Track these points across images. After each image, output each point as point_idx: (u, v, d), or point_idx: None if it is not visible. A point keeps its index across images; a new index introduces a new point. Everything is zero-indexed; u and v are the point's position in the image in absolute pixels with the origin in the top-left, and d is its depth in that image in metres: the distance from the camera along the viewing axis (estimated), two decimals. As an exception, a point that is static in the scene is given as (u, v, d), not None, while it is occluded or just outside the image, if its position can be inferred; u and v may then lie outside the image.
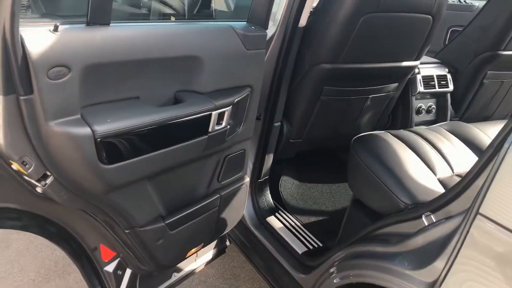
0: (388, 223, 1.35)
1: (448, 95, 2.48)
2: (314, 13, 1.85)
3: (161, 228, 1.44)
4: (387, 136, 1.75)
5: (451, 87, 2.46)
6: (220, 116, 1.39)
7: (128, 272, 1.61)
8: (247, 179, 1.79)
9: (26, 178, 1.09)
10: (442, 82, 2.42)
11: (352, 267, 1.36)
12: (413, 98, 2.35)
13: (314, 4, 1.86)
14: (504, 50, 2.30)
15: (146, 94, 1.21)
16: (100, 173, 1.09)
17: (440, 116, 2.50)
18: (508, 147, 0.93)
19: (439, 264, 1.07)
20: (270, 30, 1.80)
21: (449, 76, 2.45)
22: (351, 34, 1.74)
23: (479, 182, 1.00)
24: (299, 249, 1.88)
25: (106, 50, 1.04)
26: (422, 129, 1.89)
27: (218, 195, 1.65)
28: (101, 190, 1.15)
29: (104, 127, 1.04)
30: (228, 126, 1.45)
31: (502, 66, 2.38)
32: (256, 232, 2.00)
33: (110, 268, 1.55)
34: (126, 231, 1.36)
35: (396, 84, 2.14)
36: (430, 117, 2.48)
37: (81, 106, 1.03)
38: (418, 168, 1.59)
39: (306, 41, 1.84)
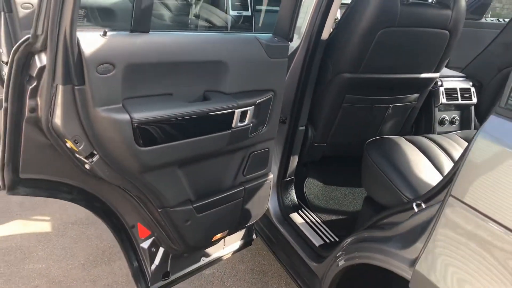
0: (388, 214, 1.49)
1: (472, 107, 2.58)
2: (336, 27, 2.04)
3: (189, 210, 1.65)
4: (400, 140, 1.90)
5: (474, 100, 2.55)
6: (243, 115, 1.59)
7: (161, 250, 1.82)
8: (271, 176, 1.96)
9: (77, 156, 1.34)
10: (465, 95, 2.52)
11: (354, 250, 1.51)
12: (436, 109, 2.47)
13: (336, 19, 2.06)
14: None
15: (179, 91, 1.43)
16: (136, 154, 1.32)
17: (464, 127, 2.59)
18: (476, 138, 1.08)
19: (420, 243, 1.21)
20: (296, 42, 2.01)
21: (473, 89, 2.54)
22: (370, 46, 1.91)
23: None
24: (317, 242, 2.04)
25: (145, 53, 1.28)
26: (436, 135, 2.01)
27: (243, 187, 1.84)
28: (137, 169, 1.38)
29: (140, 115, 1.27)
30: (251, 124, 1.65)
31: None
32: (280, 227, 2.18)
33: (145, 245, 1.77)
34: (159, 210, 1.58)
35: (417, 95, 2.27)
36: (453, 128, 2.58)
37: (122, 98, 1.27)
38: (425, 168, 1.73)
39: (329, 52, 2.03)
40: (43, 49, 1.14)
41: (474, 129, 2.60)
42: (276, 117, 1.79)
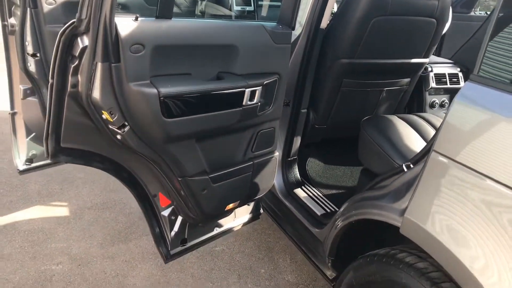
0: (382, 178, 1.69)
1: (460, 91, 2.78)
2: (333, 17, 2.25)
3: (206, 180, 1.85)
4: (393, 117, 2.10)
5: (462, 84, 2.76)
6: (252, 94, 1.79)
7: (180, 219, 2.02)
8: (277, 154, 2.16)
9: (111, 127, 1.53)
10: (453, 80, 2.73)
11: (351, 209, 1.71)
12: (427, 93, 2.68)
13: (334, 10, 2.26)
14: None
15: (196, 71, 1.63)
16: (162, 124, 1.52)
17: (453, 110, 2.79)
18: (453, 101, 1.28)
19: (409, 195, 1.41)
20: (297, 31, 2.21)
21: (460, 74, 2.76)
22: (364, 33, 2.11)
23: None
24: (318, 211, 2.24)
25: (168, 36, 1.48)
26: (426, 114, 2.22)
27: (252, 162, 2.04)
28: (161, 139, 1.58)
29: (166, 90, 1.47)
30: (259, 103, 1.85)
31: None
32: (284, 201, 2.38)
33: (165, 213, 1.97)
34: (179, 178, 1.77)
35: (408, 79, 2.48)
36: (443, 110, 2.79)
37: (150, 75, 1.47)
38: (415, 140, 1.93)
39: (328, 40, 2.23)
40: (86, 31, 1.34)
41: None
42: (281, 98, 1.98)
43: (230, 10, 3.19)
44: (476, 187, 1.20)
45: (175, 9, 3.09)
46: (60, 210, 3.11)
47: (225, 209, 2.06)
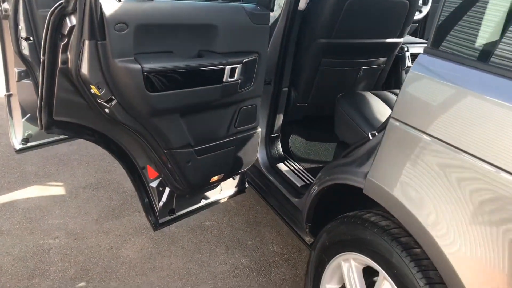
0: (352, 147, 1.83)
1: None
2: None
3: (190, 153, 1.98)
4: (367, 94, 2.24)
5: None
6: (232, 71, 1.91)
7: (167, 190, 2.15)
8: (259, 130, 2.28)
9: (99, 101, 1.66)
10: (428, 59, 2.85)
11: (324, 177, 1.85)
12: (403, 72, 2.81)
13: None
14: None
15: (178, 50, 1.75)
16: (146, 98, 1.64)
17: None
18: (409, 72, 1.41)
19: (371, 159, 1.55)
20: (277, 13, 2.34)
21: (436, 53, 2.88)
22: (340, 14, 2.24)
23: None
24: (299, 183, 2.38)
25: (150, 16, 1.60)
26: (398, 90, 2.35)
27: (235, 137, 2.16)
28: (147, 112, 1.71)
29: (148, 65, 1.59)
30: (239, 80, 1.97)
31: None
32: (268, 175, 2.52)
33: (154, 184, 2.11)
34: (165, 151, 1.90)
35: (384, 59, 2.61)
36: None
37: (134, 52, 1.59)
38: (384, 112, 2.07)
39: (306, 21, 2.35)
40: (73, 11, 1.46)
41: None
42: (261, 77, 2.10)
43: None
44: (425, 148, 1.34)
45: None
46: (56, 190, 3.24)
47: (210, 181, 2.19)
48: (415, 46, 2.85)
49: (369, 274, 1.71)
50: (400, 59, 2.78)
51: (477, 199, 1.20)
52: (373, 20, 2.35)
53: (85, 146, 3.89)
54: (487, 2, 1.26)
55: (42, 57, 1.53)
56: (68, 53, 1.53)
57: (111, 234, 2.81)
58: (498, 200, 1.15)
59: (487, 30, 1.28)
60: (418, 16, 3.39)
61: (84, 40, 1.48)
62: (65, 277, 2.44)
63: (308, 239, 2.17)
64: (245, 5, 1.95)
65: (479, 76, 1.25)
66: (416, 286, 1.38)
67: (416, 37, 3.41)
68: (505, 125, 1.14)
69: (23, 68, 2.55)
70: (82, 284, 2.40)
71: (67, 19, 1.49)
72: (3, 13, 2.46)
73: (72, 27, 1.48)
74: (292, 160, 2.65)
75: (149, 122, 1.77)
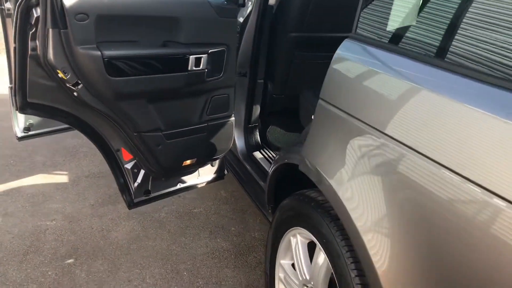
0: (305, 130, 1.95)
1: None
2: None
3: (160, 136, 2.12)
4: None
5: None
6: (198, 61, 2.05)
7: (142, 172, 2.31)
8: (233, 118, 2.41)
9: (67, 85, 1.84)
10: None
11: (279, 159, 1.97)
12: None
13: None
14: None
15: (143, 39, 1.91)
16: (108, 82, 1.80)
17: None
18: (334, 56, 1.53)
19: (307, 138, 1.67)
20: (249, 8, 2.48)
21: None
22: (308, 8, 2.36)
23: None
24: (269, 168, 2.50)
25: (112, 7, 1.76)
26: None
27: (206, 124, 2.29)
28: (111, 95, 1.87)
29: (109, 52, 1.76)
30: (206, 70, 2.11)
31: None
32: (244, 162, 2.66)
33: (128, 166, 2.27)
34: (134, 134, 2.06)
35: None
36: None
37: (96, 41, 1.76)
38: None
39: (277, 15, 2.48)
40: (37, 3, 1.65)
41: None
42: (232, 68, 2.23)
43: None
44: (344, 126, 1.45)
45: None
46: (60, 178, 3.48)
47: (183, 165, 2.33)
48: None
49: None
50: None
51: (379, 172, 1.29)
52: (342, 13, 2.44)
53: (92, 140, 4.12)
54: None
55: (13, 45, 1.72)
56: (37, 40, 1.71)
57: (104, 218, 3.01)
58: (396, 174, 1.23)
59: (397, 19, 1.39)
60: None
61: (48, 29, 1.67)
62: (56, 254, 2.64)
63: (272, 219, 2.28)
64: (211, 0, 2.10)
65: (392, 58, 1.36)
66: (339, 252, 1.48)
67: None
68: (400, 100, 1.23)
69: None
70: (71, 260, 2.60)
71: (34, 10, 1.68)
72: (6, 12, 2.70)
73: (38, 17, 1.67)
74: (268, 149, 2.77)
75: (116, 105, 1.93)
